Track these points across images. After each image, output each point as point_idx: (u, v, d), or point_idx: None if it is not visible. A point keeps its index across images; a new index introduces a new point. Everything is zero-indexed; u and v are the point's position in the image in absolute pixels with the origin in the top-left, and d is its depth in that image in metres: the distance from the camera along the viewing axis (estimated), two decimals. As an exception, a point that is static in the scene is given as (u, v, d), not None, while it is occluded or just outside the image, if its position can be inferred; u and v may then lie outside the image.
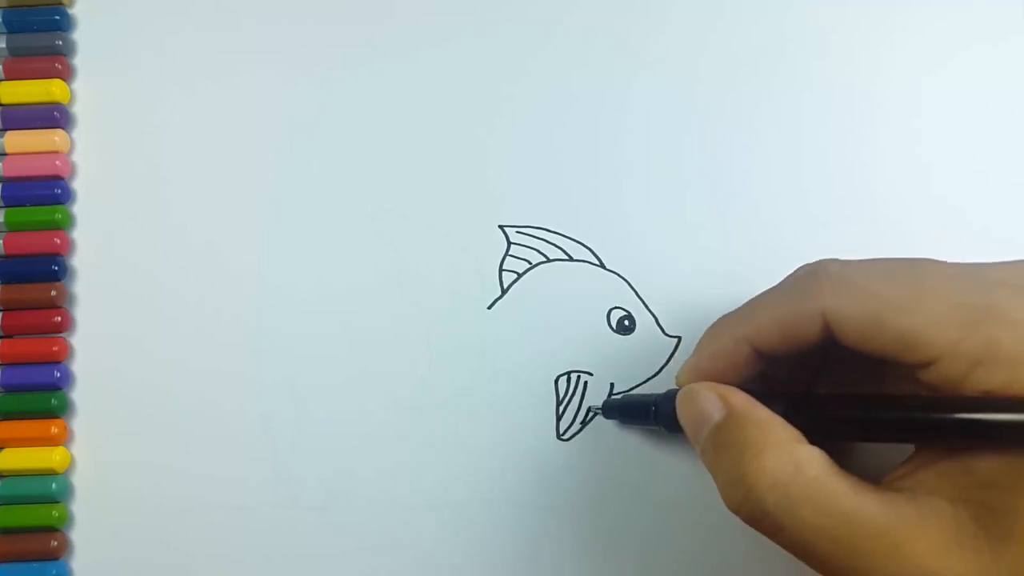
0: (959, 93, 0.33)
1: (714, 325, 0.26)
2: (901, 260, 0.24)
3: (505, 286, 0.32)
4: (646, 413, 0.29)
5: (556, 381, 0.31)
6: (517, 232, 0.32)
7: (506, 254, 0.32)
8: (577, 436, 0.31)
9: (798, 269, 0.25)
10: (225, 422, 0.32)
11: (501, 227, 0.32)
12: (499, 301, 0.32)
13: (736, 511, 0.24)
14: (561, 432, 0.31)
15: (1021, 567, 0.21)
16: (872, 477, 0.24)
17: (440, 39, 0.33)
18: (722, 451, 0.24)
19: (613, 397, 0.31)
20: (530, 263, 0.32)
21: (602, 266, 0.32)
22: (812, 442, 0.24)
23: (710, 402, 0.25)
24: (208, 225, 0.33)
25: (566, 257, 0.32)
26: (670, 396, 0.27)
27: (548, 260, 0.32)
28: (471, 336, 0.32)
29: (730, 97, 0.33)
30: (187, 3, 0.34)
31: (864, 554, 0.22)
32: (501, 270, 0.32)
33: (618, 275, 0.32)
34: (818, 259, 0.25)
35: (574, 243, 0.32)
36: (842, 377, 0.27)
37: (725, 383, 0.26)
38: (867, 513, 0.22)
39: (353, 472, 0.31)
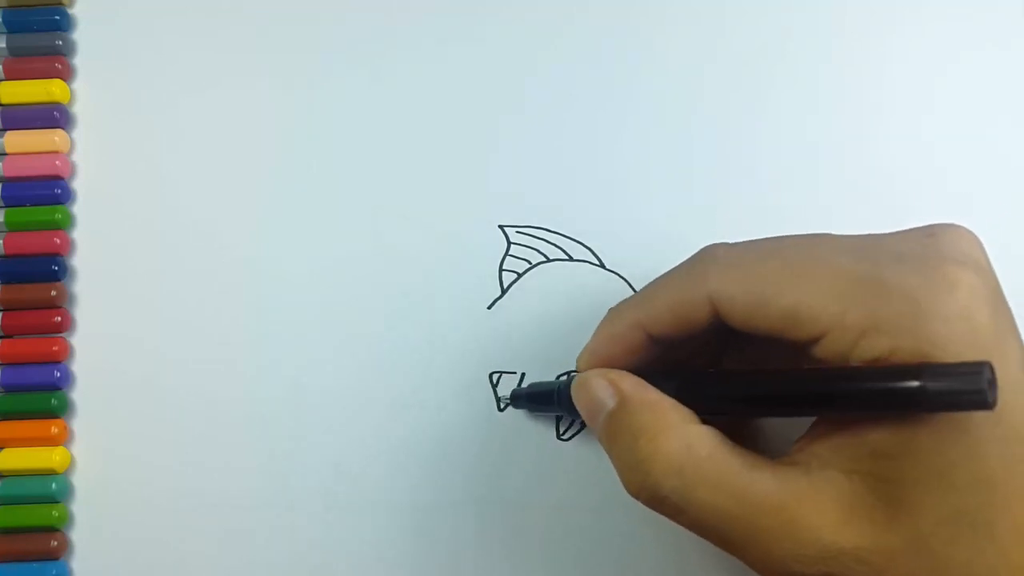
0: (968, 92, 0.33)
1: (613, 309, 0.27)
2: (789, 238, 0.24)
3: (505, 286, 0.32)
4: (550, 400, 0.29)
5: (557, 380, 0.31)
6: (517, 232, 0.32)
7: (506, 254, 0.32)
8: (577, 436, 0.31)
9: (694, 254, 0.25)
10: (225, 422, 0.32)
11: (501, 227, 0.32)
12: (499, 301, 0.32)
13: (636, 496, 0.24)
14: (561, 432, 0.31)
15: (915, 535, 0.21)
16: (779, 455, 0.24)
17: (440, 40, 0.33)
18: (617, 438, 0.24)
19: (520, 387, 0.31)
20: (530, 263, 0.32)
21: (602, 266, 0.32)
22: (707, 421, 0.24)
23: (602, 389, 0.25)
24: (208, 225, 0.33)
25: (566, 257, 0.32)
26: (571, 382, 0.27)
27: (548, 260, 0.32)
28: (471, 336, 0.32)
29: (732, 97, 0.33)
30: (187, 3, 0.34)
31: (761, 531, 0.22)
32: (501, 270, 0.32)
33: (618, 275, 0.32)
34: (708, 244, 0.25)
35: (574, 243, 0.32)
36: (747, 356, 0.27)
37: (622, 366, 0.26)
38: (761, 489, 0.22)
39: (353, 472, 0.31)
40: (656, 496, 0.23)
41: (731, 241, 0.25)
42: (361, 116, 0.33)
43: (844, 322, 0.22)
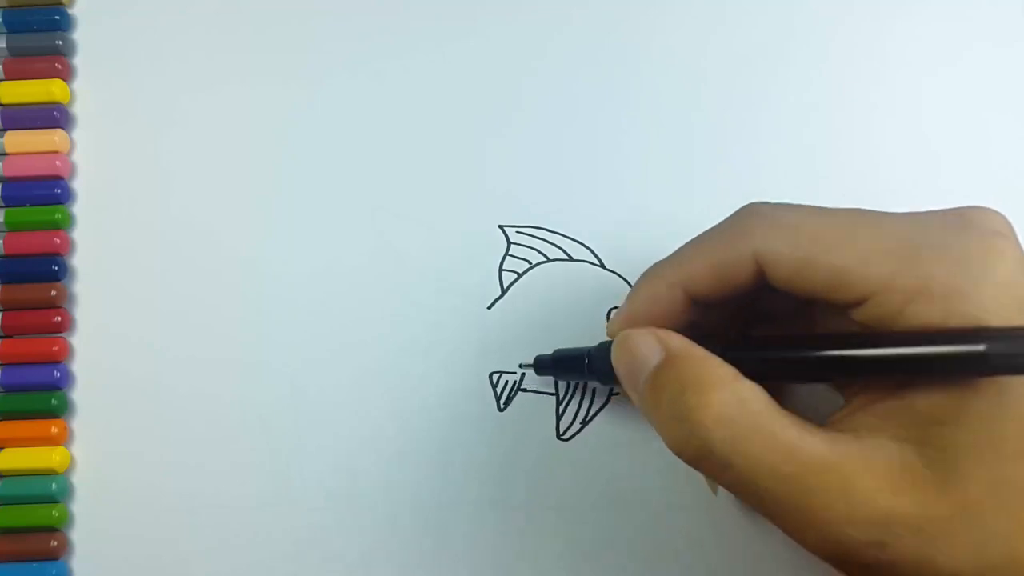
0: (969, 91, 0.33)
1: (648, 270, 0.26)
2: (834, 207, 0.24)
3: (505, 286, 0.32)
4: (580, 366, 0.28)
5: (556, 381, 0.31)
6: (517, 232, 0.32)
7: (506, 254, 0.32)
8: (577, 436, 0.31)
9: (734, 212, 0.25)
10: (225, 422, 0.32)
11: (501, 227, 0.32)
12: (499, 301, 0.32)
13: (680, 452, 0.23)
14: (561, 432, 0.31)
15: (964, 504, 0.21)
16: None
17: (440, 39, 0.33)
18: (662, 393, 0.23)
19: (543, 354, 0.30)
20: (530, 263, 0.32)
21: (602, 266, 0.32)
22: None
23: (647, 346, 0.24)
24: (208, 225, 0.33)
25: (566, 257, 0.32)
26: (604, 347, 0.27)
27: (548, 260, 0.32)
28: (471, 336, 0.32)
29: (732, 95, 0.33)
30: (187, 3, 0.34)
31: (813, 491, 0.21)
32: (501, 270, 0.32)
33: (618, 275, 0.32)
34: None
35: (574, 243, 0.32)
36: (775, 325, 0.27)
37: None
38: (813, 449, 0.21)
39: (353, 472, 0.31)
40: (703, 449, 0.22)
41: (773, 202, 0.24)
42: (361, 116, 0.33)
43: (894, 284, 0.21)
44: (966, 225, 0.22)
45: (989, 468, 0.21)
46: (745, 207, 0.24)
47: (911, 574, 0.21)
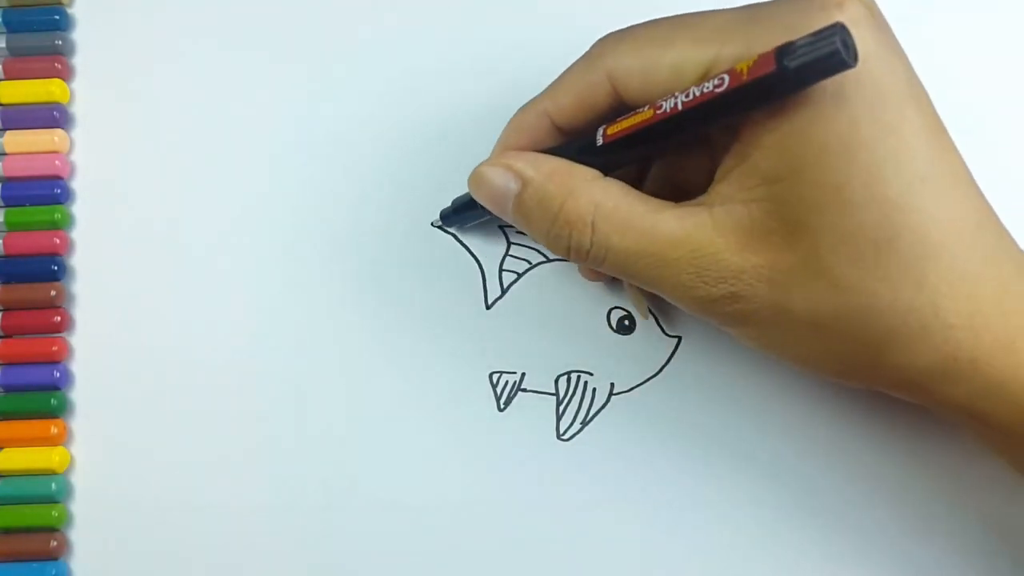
0: (972, 90, 0.33)
1: (523, 105, 0.28)
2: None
3: (505, 286, 0.32)
4: (476, 204, 0.29)
5: (556, 381, 0.31)
6: (517, 232, 0.32)
7: (506, 254, 0.32)
8: (577, 436, 0.31)
9: None
10: (225, 422, 0.32)
11: (501, 227, 0.32)
12: (499, 301, 0.32)
13: (566, 257, 0.26)
14: (561, 432, 0.31)
15: (817, 252, 0.22)
16: None
17: (439, 35, 0.33)
18: (531, 216, 0.26)
19: (446, 208, 0.31)
20: (530, 263, 0.32)
21: (602, 266, 0.32)
22: (614, 175, 0.25)
23: (500, 177, 0.26)
24: (208, 225, 0.33)
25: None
26: None
27: (548, 260, 0.32)
28: (471, 336, 0.32)
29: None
30: (187, 3, 0.34)
31: (670, 263, 0.24)
32: (501, 270, 0.32)
33: (618, 275, 0.32)
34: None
35: (574, 243, 0.32)
36: None
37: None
38: (666, 228, 0.24)
39: (353, 472, 0.31)
40: (582, 252, 0.25)
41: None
42: (361, 116, 0.33)
43: (722, 56, 0.23)
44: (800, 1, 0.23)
45: (837, 219, 0.22)
46: (603, 36, 0.26)
47: (772, 320, 0.24)
